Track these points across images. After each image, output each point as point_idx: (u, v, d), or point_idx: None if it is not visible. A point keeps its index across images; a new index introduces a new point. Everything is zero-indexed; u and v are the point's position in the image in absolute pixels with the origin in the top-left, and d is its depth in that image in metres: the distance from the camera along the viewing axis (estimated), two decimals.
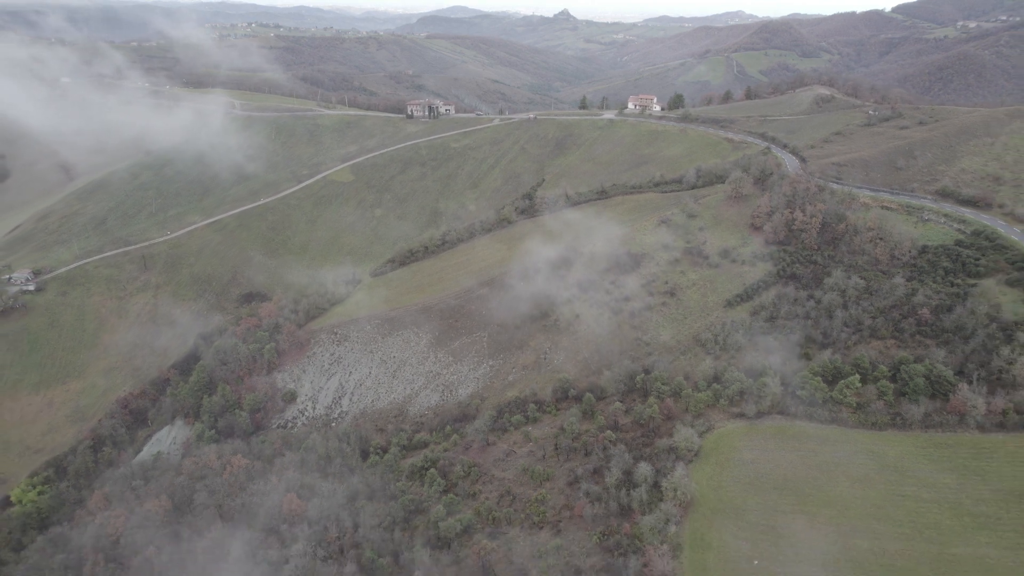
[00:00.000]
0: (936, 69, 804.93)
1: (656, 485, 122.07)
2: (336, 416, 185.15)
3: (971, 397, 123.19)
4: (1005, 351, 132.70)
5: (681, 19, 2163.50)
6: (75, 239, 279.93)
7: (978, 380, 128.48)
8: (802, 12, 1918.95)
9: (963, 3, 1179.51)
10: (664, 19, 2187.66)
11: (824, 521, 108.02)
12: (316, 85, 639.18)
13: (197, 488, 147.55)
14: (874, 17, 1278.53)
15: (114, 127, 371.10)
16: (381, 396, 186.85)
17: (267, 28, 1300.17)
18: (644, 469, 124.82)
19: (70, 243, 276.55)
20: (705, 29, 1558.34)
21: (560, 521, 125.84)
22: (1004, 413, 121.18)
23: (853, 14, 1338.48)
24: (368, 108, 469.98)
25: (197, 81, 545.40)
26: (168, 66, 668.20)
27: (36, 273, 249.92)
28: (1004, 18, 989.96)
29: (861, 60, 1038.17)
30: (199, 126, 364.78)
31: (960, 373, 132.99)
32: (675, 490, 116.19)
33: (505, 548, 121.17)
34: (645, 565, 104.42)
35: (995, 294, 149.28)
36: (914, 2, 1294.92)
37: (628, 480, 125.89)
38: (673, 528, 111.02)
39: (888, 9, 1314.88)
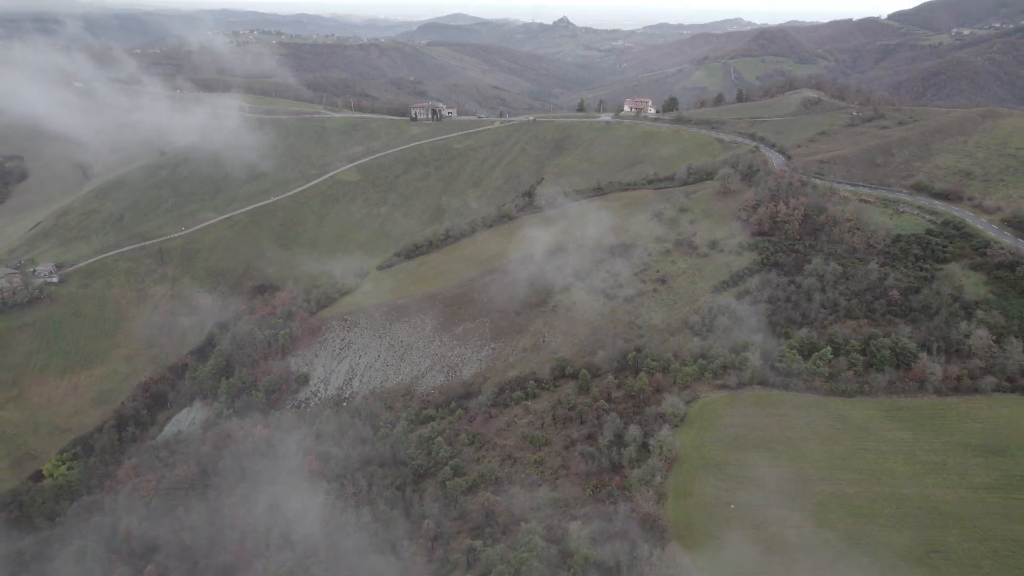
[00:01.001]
0: (930, 75, 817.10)
1: (644, 445, 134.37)
2: (347, 396, 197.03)
3: (930, 365, 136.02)
4: (964, 325, 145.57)
5: (680, 26, 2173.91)
6: (94, 235, 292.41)
7: (937, 351, 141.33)
8: (799, 19, 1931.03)
9: (958, 10, 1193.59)
10: (663, 26, 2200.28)
11: (793, 472, 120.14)
12: (320, 90, 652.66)
13: (222, 455, 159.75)
14: (870, 24, 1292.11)
15: (130, 127, 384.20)
16: (390, 377, 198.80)
17: (269, 35, 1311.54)
18: (634, 431, 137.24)
19: (90, 238, 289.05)
20: (703, 36, 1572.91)
21: (557, 479, 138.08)
22: (959, 379, 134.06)
23: (849, 21, 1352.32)
24: (372, 111, 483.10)
25: (207, 85, 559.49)
26: (174, 71, 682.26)
27: (59, 266, 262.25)
28: (998, 25, 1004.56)
29: (857, 66, 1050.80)
30: (212, 127, 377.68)
31: (923, 346, 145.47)
32: (661, 447, 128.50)
33: (507, 502, 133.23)
34: (633, 510, 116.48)
35: (959, 277, 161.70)
36: (909, 10, 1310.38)
37: (619, 441, 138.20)
38: (659, 479, 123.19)
39: (884, 16, 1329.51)
